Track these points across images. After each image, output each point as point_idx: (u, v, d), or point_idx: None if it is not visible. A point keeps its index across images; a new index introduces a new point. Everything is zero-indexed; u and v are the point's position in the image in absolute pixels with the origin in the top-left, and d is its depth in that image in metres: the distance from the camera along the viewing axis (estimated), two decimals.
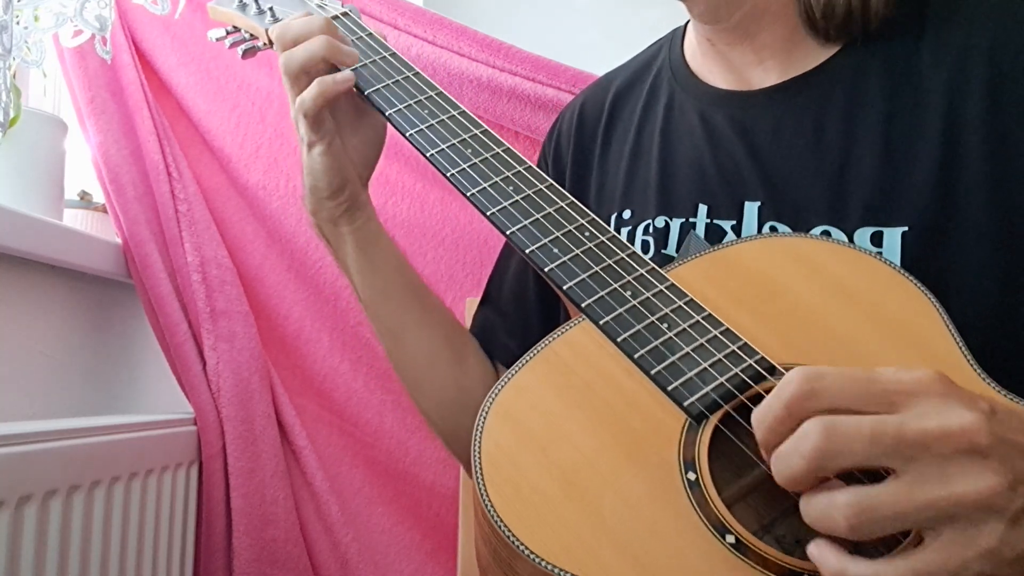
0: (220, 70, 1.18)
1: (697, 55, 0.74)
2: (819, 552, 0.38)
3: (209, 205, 1.14)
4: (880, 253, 0.58)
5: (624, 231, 0.72)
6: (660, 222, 0.69)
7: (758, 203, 0.64)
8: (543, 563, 0.41)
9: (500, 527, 0.43)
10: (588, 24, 1.47)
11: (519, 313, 0.81)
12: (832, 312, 0.53)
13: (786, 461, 0.38)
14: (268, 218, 1.18)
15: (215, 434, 1.04)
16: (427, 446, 1.15)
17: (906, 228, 0.58)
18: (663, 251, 0.68)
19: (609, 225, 0.60)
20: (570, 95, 1.09)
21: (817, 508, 0.38)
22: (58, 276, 1.01)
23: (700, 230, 0.67)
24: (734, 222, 0.65)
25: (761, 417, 0.40)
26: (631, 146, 0.75)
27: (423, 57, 1.12)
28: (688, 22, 0.77)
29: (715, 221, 0.66)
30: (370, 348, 1.17)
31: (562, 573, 0.41)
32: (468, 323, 0.91)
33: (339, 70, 0.67)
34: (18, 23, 0.92)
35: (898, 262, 0.58)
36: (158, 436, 0.95)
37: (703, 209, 0.67)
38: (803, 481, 0.38)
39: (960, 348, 0.50)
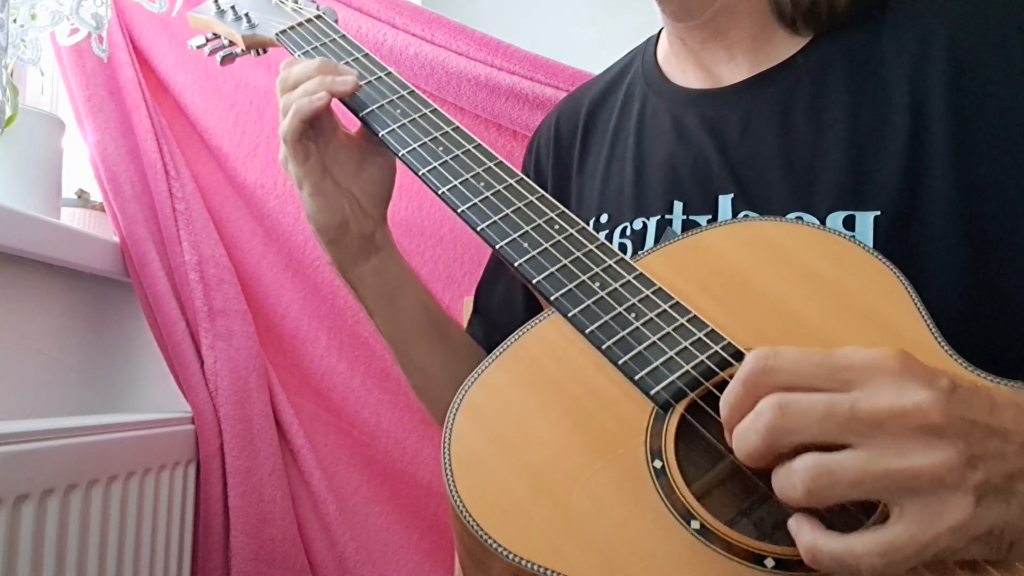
0: (218, 69, 1.18)
1: (670, 57, 0.75)
2: (796, 526, 0.39)
3: (207, 204, 1.14)
4: (853, 236, 0.58)
5: (601, 235, 0.73)
6: (637, 224, 0.70)
7: (731, 195, 0.65)
8: (512, 557, 0.42)
9: (471, 524, 0.44)
10: (586, 23, 1.47)
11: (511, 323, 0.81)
12: (801, 298, 0.52)
13: (743, 438, 0.39)
14: (265, 217, 1.18)
15: (213, 433, 1.04)
16: (424, 445, 1.15)
17: (878, 212, 0.59)
18: (636, 252, 0.68)
19: None
20: (568, 94, 1.09)
21: (778, 477, 0.39)
22: (56, 275, 1.01)
23: (677, 227, 0.67)
24: (709, 216, 0.66)
25: (724, 398, 0.41)
26: (606, 154, 0.76)
27: (421, 56, 1.12)
28: (661, 30, 0.78)
29: (691, 217, 0.67)
30: (367, 347, 1.17)
31: (532, 566, 0.42)
32: (464, 320, 0.91)
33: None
34: (15, 21, 0.92)
35: (871, 246, 0.58)
36: (156, 435, 0.95)
37: (678, 206, 0.68)
38: (760, 457, 0.39)
39: (931, 330, 0.50)
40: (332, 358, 1.17)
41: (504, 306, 0.83)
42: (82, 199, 1.14)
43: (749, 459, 0.39)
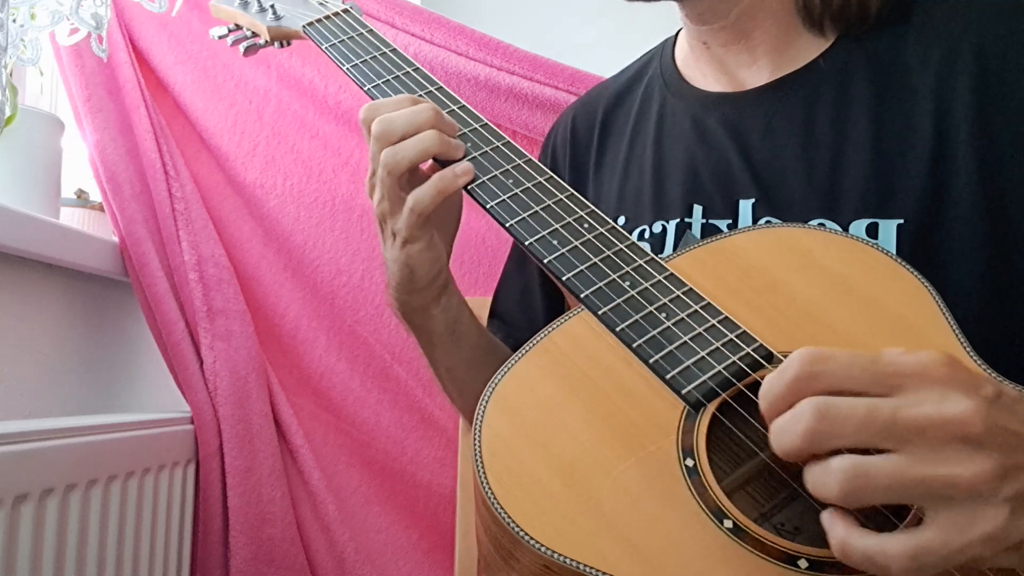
0: (217, 68, 1.18)
1: (689, 60, 0.75)
2: (829, 521, 0.39)
3: (206, 204, 1.14)
4: (878, 244, 0.58)
5: None
6: (657, 227, 0.69)
7: (752, 200, 0.65)
8: (543, 549, 0.42)
9: (501, 515, 0.43)
10: (586, 23, 1.47)
11: (530, 324, 0.81)
12: (828, 302, 0.53)
13: (781, 436, 0.39)
14: (265, 217, 1.18)
15: (212, 433, 1.04)
16: (424, 445, 1.15)
17: (901, 220, 0.59)
18: (660, 256, 0.68)
19: None
20: (568, 94, 1.09)
21: (813, 473, 0.39)
22: (55, 275, 1.01)
23: (696, 230, 0.67)
24: (729, 220, 0.66)
25: (765, 392, 0.40)
26: (624, 155, 0.76)
27: (420, 56, 1.12)
28: (679, 31, 0.78)
29: (710, 221, 0.67)
30: (367, 347, 1.17)
31: (562, 559, 0.42)
32: None
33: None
34: (14, 21, 0.92)
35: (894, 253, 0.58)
36: (155, 435, 0.95)
37: (698, 210, 0.68)
38: (797, 456, 0.39)
39: (957, 336, 0.50)
40: (331, 358, 1.16)
41: (522, 307, 0.83)
42: (81, 199, 1.14)
43: (785, 456, 0.39)
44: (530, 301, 0.82)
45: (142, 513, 0.90)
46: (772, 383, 0.40)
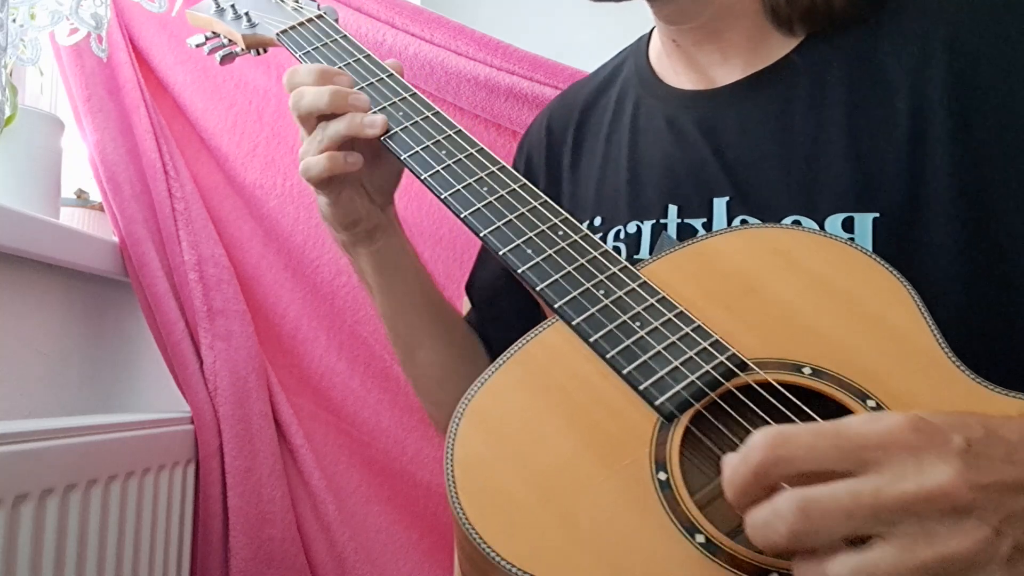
0: (217, 68, 1.18)
1: (662, 58, 0.75)
2: None
3: (206, 204, 1.14)
4: (852, 239, 0.58)
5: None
6: (632, 227, 0.69)
7: (726, 198, 0.65)
8: (517, 571, 0.41)
9: (473, 536, 0.43)
10: (586, 23, 1.47)
11: (496, 307, 0.82)
12: (808, 303, 0.52)
13: (763, 533, 0.37)
14: (265, 217, 1.18)
15: (212, 433, 1.04)
16: (424, 445, 1.15)
17: (877, 214, 0.59)
18: (635, 256, 0.68)
19: None
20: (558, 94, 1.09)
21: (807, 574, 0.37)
22: (55, 275, 1.01)
23: (672, 230, 0.67)
24: (704, 219, 0.65)
25: (729, 480, 0.39)
26: (600, 155, 0.76)
27: (420, 56, 1.12)
28: (652, 29, 0.78)
29: (686, 220, 0.66)
30: (367, 347, 1.17)
31: None
32: None
33: None
34: (14, 21, 0.92)
35: (870, 248, 0.58)
36: (155, 435, 0.95)
37: (673, 209, 0.67)
38: (784, 553, 0.38)
39: (934, 335, 0.50)
40: (332, 358, 1.16)
41: (487, 291, 0.84)
42: (81, 199, 1.14)
43: (771, 553, 0.38)
44: (495, 297, 0.83)
45: (142, 513, 0.90)
46: (736, 471, 0.38)
